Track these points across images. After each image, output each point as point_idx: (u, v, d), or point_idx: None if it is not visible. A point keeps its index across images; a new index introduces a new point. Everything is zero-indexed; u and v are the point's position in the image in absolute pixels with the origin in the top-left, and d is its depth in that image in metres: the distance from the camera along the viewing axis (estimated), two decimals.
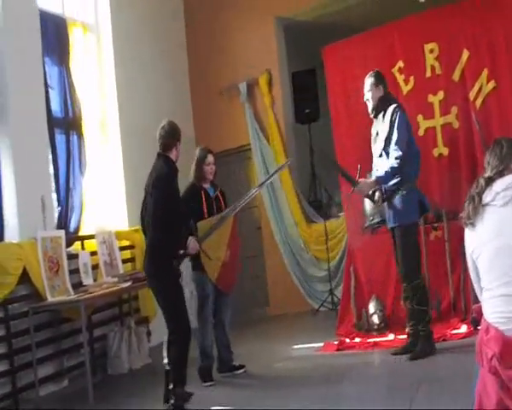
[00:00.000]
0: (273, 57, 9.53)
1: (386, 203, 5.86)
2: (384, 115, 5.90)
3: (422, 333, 5.80)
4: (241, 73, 9.53)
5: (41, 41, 7.09)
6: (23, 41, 6.80)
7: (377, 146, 6.00)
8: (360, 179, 5.92)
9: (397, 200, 5.79)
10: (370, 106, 6.04)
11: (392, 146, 5.77)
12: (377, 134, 6.00)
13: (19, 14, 6.79)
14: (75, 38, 7.90)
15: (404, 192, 5.75)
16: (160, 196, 5.09)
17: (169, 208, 5.05)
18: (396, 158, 5.73)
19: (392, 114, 5.81)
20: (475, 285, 3.14)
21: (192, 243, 5.41)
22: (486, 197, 3.00)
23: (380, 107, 5.96)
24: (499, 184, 2.99)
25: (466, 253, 3.12)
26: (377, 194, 5.85)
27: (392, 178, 5.76)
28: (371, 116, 6.11)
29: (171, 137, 5.26)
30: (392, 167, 5.72)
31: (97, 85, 8.34)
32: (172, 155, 5.25)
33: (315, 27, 9.50)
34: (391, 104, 5.90)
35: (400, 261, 5.89)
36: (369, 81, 6.03)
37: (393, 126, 5.77)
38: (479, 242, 2.99)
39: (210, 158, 6.18)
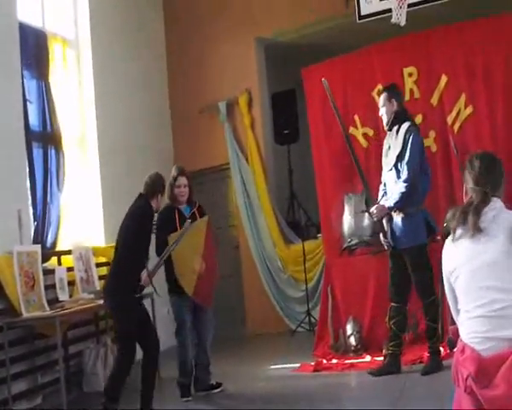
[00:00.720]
0: (253, 77, 9.56)
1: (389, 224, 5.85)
2: (398, 131, 5.87)
3: (432, 350, 5.83)
4: (221, 93, 9.53)
5: (20, 54, 7.03)
6: (2, 53, 6.73)
7: (388, 160, 5.96)
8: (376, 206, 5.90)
9: (404, 221, 5.76)
10: (385, 120, 6.00)
11: (404, 165, 5.75)
12: (389, 148, 5.97)
13: None
14: (55, 53, 7.84)
15: (408, 213, 5.74)
16: (132, 229, 5.44)
17: (139, 241, 5.39)
18: (404, 181, 5.71)
19: (406, 133, 5.77)
20: (452, 307, 3.14)
21: (144, 276, 5.48)
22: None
23: (394, 121, 5.92)
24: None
25: (443, 274, 3.13)
26: (384, 221, 5.85)
27: (404, 203, 5.73)
28: (385, 129, 6.09)
29: (155, 187, 5.60)
30: (401, 193, 5.69)
31: (76, 101, 8.28)
32: (153, 203, 5.55)
33: (295, 48, 9.60)
34: (405, 121, 5.87)
35: (414, 281, 5.84)
36: (382, 96, 6.02)
37: (406, 146, 5.73)
38: (456, 264, 2.99)
39: (180, 180, 6.02)
